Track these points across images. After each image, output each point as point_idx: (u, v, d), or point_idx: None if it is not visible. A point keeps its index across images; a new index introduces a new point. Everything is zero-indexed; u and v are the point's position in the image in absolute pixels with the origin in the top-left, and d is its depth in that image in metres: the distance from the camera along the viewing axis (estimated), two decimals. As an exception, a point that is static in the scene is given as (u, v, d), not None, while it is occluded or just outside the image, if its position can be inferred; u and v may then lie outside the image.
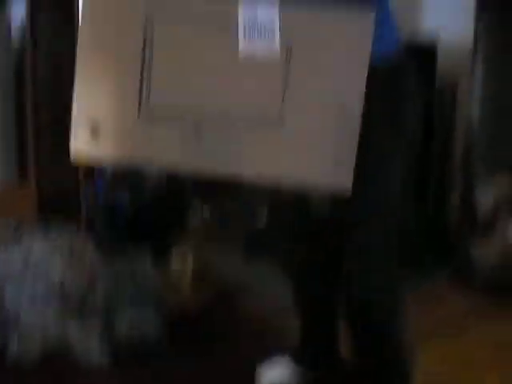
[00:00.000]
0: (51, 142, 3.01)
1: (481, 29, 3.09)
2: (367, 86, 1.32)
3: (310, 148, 1.34)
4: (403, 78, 1.66)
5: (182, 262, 2.70)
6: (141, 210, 2.89)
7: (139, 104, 1.32)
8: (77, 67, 1.36)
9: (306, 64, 1.30)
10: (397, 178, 1.67)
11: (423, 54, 3.18)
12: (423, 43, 3.31)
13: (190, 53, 1.32)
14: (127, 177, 2.84)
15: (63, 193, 3.09)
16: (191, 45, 1.32)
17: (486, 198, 3.07)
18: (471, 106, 3.20)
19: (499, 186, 3.04)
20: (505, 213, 3.00)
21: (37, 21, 2.91)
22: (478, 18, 3.08)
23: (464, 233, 3.18)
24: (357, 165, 1.32)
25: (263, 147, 1.34)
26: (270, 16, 1.28)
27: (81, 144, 1.37)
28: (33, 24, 2.90)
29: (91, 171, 2.81)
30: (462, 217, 3.27)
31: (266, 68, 1.31)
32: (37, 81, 2.95)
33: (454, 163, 3.42)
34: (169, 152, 1.35)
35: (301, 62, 1.30)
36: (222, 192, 2.87)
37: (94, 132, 1.35)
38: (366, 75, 1.30)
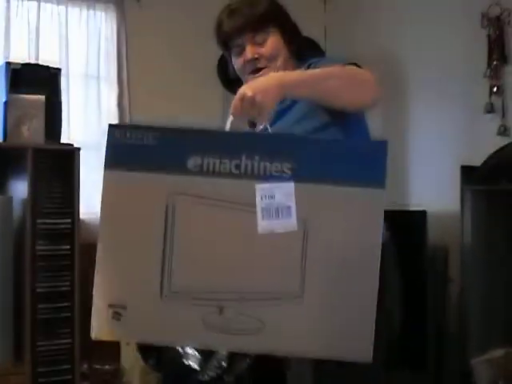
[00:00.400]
0: (47, 326, 3.03)
1: (467, 199, 3.23)
2: None
3: (330, 320, 1.36)
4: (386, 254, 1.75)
5: None
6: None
7: (161, 286, 1.35)
8: (98, 250, 1.40)
9: (321, 237, 1.35)
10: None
11: (414, 222, 3.31)
12: (413, 212, 3.46)
13: (210, 233, 1.36)
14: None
15: (58, 375, 3.05)
16: (211, 225, 1.36)
17: (481, 371, 3.06)
18: (464, 271, 3.27)
19: (494, 361, 3.04)
20: None
21: (37, 195, 3.01)
22: (464, 189, 3.22)
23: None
24: None
25: (285, 321, 1.36)
26: (286, 195, 1.34)
27: (103, 323, 1.40)
28: (34, 199, 3.00)
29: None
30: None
31: (284, 242, 1.34)
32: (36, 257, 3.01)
33: (450, 337, 3.47)
34: (192, 330, 1.36)
35: (317, 235, 1.34)
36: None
37: (117, 312, 1.38)
38: (379, 249, 1.36)
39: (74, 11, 3.72)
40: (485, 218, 3.26)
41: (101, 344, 3.76)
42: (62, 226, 3.09)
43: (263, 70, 1.86)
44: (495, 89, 3.37)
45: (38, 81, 3.16)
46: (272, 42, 1.86)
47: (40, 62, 3.43)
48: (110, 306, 1.39)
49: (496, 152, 3.18)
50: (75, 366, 3.10)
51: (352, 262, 1.36)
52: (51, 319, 3.05)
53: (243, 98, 1.51)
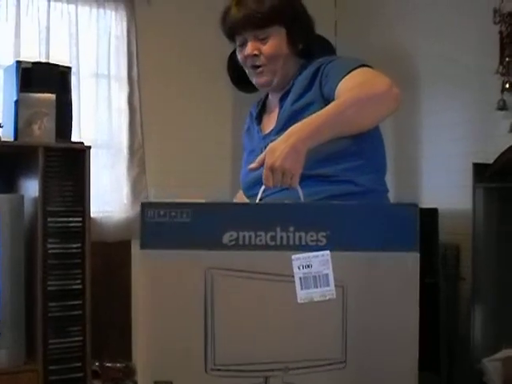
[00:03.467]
0: (59, 324, 3.04)
1: (479, 196, 3.21)
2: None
3: None
4: None
5: None
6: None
7: (205, 360, 1.37)
8: (140, 329, 1.40)
9: (360, 304, 1.37)
10: None
11: (425, 220, 3.28)
12: (425, 210, 3.43)
13: (249, 305, 1.38)
14: None
15: (70, 372, 3.06)
16: (250, 297, 1.38)
17: (494, 371, 3.04)
18: (475, 273, 3.25)
19: (506, 360, 3.03)
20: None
21: (48, 194, 3.02)
22: (476, 186, 3.20)
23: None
24: None
25: None
26: (323, 263, 1.36)
27: None
28: (45, 198, 3.01)
29: None
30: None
31: (324, 310, 1.37)
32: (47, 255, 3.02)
33: (461, 336, 3.46)
34: None
35: (355, 302, 1.36)
36: None
37: None
38: (417, 314, 1.37)
39: (84, 10, 3.72)
40: (497, 216, 3.24)
41: (112, 342, 3.80)
42: (73, 225, 3.10)
43: (262, 68, 1.87)
44: (507, 85, 3.34)
45: (49, 80, 3.16)
46: (274, 41, 1.85)
47: (50, 61, 3.44)
48: (156, 382, 1.39)
49: (508, 149, 3.15)
50: (86, 363, 3.11)
51: (391, 326, 1.38)
52: (62, 317, 3.06)
53: (272, 169, 1.51)
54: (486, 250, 3.21)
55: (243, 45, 1.87)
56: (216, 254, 1.37)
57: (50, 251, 3.04)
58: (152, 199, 3.93)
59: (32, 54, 3.45)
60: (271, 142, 1.84)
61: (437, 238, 3.38)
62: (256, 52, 1.85)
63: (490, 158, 3.20)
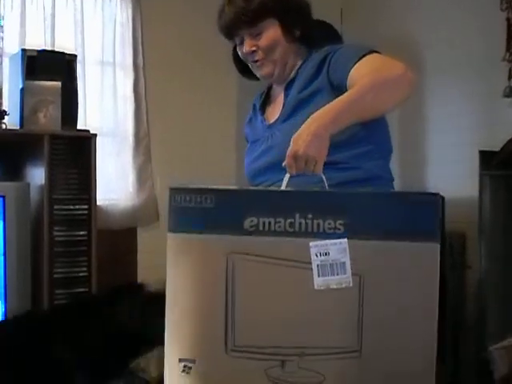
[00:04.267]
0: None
1: (485, 184, 3.20)
2: None
3: (389, 373, 1.38)
4: None
5: None
6: None
7: (226, 341, 1.42)
8: (166, 310, 1.48)
9: (377, 292, 1.38)
10: None
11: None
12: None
13: (268, 290, 1.42)
14: None
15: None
16: (269, 282, 1.41)
17: (500, 359, 3.04)
18: (481, 259, 3.25)
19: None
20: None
21: (54, 181, 3.03)
22: (482, 174, 3.19)
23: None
24: None
25: (344, 374, 1.38)
26: (340, 251, 1.37)
27: (174, 376, 1.49)
28: (51, 185, 3.01)
29: None
30: (478, 377, 3.25)
31: (340, 298, 1.39)
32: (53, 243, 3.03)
33: (468, 325, 3.46)
34: (255, 383, 1.42)
35: (372, 291, 1.37)
36: None
37: (186, 366, 1.46)
38: (436, 304, 1.41)
39: (90, -3, 3.72)
40: (503, 204, 3.23)
41: (118, 330, 3.76)
42: (79, 212, 3.10)
43: (261, 61, 1.91)
44: (514, 73, 3.33)
45: (54, 67, 3.15)
46: (268, 34, 1.88)
47: (56, 49, 3.43)
48: (181, 360, 1.47)
49: (515, 137, 3.14)
50: (93, 351, 3.12)
51: (408, 317, 1.38)
52: (69, 305, 3.07)
53: (295, 156, 1.53)
54: (493, 238, 3.20)
55: (241, 43, 1.93)
56: (237, 238, 1.41)
57: (56, 239, 3.04)
58: (158, 188, 3.94)
59: (37, 41, 3.45)
60: (278, 130, 1.85)
61: (443, 227, 3.38)
62: (254, 48, 1.90)
63: (496, 146, 3.18)
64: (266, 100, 2.06)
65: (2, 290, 2.94)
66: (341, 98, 1.63)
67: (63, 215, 3.06)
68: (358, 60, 1.73)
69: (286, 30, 1.90)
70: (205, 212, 1.44)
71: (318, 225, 1.38)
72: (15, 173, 3.21)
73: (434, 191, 1.52)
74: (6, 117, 3.08)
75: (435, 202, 1.40)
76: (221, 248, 1.42)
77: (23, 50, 3.13)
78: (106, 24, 3.77)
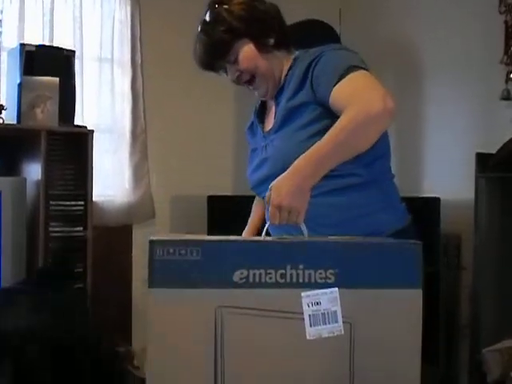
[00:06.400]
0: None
1: (481, 186, 3.21)
2: None
3: None
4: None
5: None
6: None
7: None
8: (147, 370, 1.39)
9: (366, 340, 1.40)
10: None
11: (427, 209, 3.29)
12: (427, 199, 3.44)
13: (259, 344, 1.39)
14: None
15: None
16: (260, 335, 1.39)
17: (493, 361, 3.05)
18: (476, 260, 3.25)
19: (506, 351, 3.03)
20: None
21: (51, 177, 3.02)
22: (478, 176, 3.20)
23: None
24: None
25: None
26: (331, 300, 1.40)
27: None
28: (47, 181, 3.01)
29: None
30: (471, 378, 3.26)
31: (332, 347, 1.40)
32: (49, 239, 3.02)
33: (461, 327, 3.47)
34: None
35: (362, 339, 1.40)
36: None
37: None
38: (419, 350, 1.41)
39: (89, -7, 3.71)
40: (499, 206, 3.24)
41: (112, 326, 3.82)
42: (75, 208, 3.10)
43: (253, 85, 1.91)
44: (512, 75, 3.34)
45: (52, 63, 3.15)
46: (243, 55, 1.86)
47: (54, 45, 3.43)
48: None
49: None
50: (87, 347, 3.11)
51: (395, 362, 1.41)
52: (63, 301, 3.07)
53: (279, 207, 1.54)
54: (488, 239, 3.21)
55: (225, 72, 1.93)
56: (226, 292, 1.38)
57: (51, 234, 3.04)
58: (154, 185, 3.94)
59: (36, 37, 3.45)
60: (270, 141, 1.85)
61: (438, 228, 3.39)
62: (237, 73, 1.89)
63: (493, 148, 3.19)
64: (263, 107, 2.05)
65: (-3, 285, 2.94)
66: (322, 144, 1.61)
67: (59, 211, 3.06)
68: (339, 80, 1.70)
69: (259, 44, 1.86)
70: (190, 265, 1.37)
71: (310, 275, 1.39)
72: (12, 168, 3.21)
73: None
74: (3, 112, 3.08)
75: (417, 250, 1.43)
76: (209, 302, 1.37)
77: (21, 45, 3.12)
78: (105, 21, 3.76)
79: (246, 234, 2.17)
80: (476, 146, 3.29)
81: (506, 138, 3.15)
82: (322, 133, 1.66)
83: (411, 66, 3.93)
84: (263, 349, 1.39)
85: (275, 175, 1.62)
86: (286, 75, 1.89)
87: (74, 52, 3.30)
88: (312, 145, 1.62)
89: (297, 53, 1.93)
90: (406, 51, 3.96)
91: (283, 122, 1.84)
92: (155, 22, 3.92)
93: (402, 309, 1.41)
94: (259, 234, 2.05)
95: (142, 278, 4.24)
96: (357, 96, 1.66)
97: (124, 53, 3.83)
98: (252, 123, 2.08)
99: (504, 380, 3.00)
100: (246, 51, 1.85)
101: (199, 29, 1.90)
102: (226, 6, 1.85)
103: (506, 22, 3.37)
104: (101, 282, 3.30)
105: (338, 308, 1.40)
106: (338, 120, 1.64)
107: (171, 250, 1.38)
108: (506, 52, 3.35)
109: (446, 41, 3.70)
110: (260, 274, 1.39)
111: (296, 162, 1.59)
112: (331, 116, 1.71)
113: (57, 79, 3.09)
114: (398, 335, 1.41)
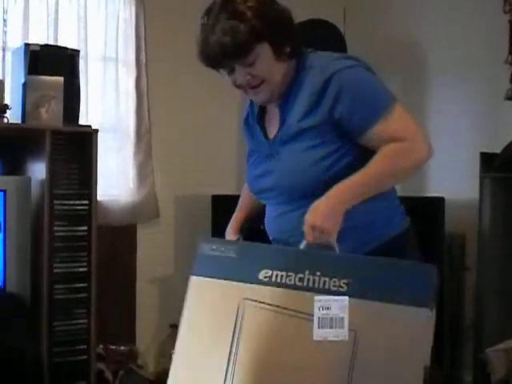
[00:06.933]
0: (64, 307, 3.05)
1: (486, 186, 3.20)
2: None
3: None
4: (409, 249, 1.84)
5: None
6: None
7: (224, 381, 1.55)
8: (176, 346, 1.64)
9: (369, 350, 1.47)
10: None
11: (431, 209, 3.29)
12: (431, 198, 3.43)
13: (271, 337, 1.55)
14: None
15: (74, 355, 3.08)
16: (273, 330, 1.56)
17: (497, 361, 3.05)
18: (481, 259, 3.25)
19: (510, 350, 3.03)
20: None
21: (55, 176, 3.03)
22: (483, 176, 3.19)
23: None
24: None
25: None
26: (341, 307, 1.51)
27: None
28: (52, 180, 3.02)
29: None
30: (475, 378, 3.26)
31: (335, 350, 1.50)
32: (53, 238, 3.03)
33: (465, 327, 3.47)
34: None
35: (365, 348, 1.48)
36: None
37: None
38: (425, 370, 1.45)
39: (93, -7, 3.72)
40: (503, 206, 3.24)
41: (116, 325, 3.82)
42: (80, 208, 3.10)
43: (258, 88, 1.80)
44: (516, 75, 3.33)
45: (57, 63, 3.15)
46: (261, 61, 1.75)
47: (59, 44, 3.43)
48: None
49: (516, 139, 3.15)
50: (91, 346, 3.12)
51: (392, 377, 1.46)
52: (68, 300, 3.07)
53: (313, 227, 1.65)
54: (492, 239, 3.21)
55: (231, 72, 1.80)
56: (251, 287, 1.60)
57: (56, 234, 3.05)
58: (158, 184, 3.94)
59: (40, 36, 3.45)
60: (276, 153, 1.81)
61: (443, 227, 3.38)
62: (248, 77, 1.78)
63: (497, 148, 3.19)
64: (262, 110, 1.95)
65: (2, 284, 2.94)
66: (360, 178, 1.69)
67: (64, 210, 3.07)
68: (379, 119, 1.70)
69: (277, 51, 1.76)
70: (226, 261, 1.64)
71: (325, 282, 1.55)
72: (16, 167, 3.22)
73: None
74: (7, 111, 3.09)
75: (431, 272, 1.51)
76: (235, 294, 1.60)
77: (26, 45, 3.13)
78: (109, 20, 3.77)
79: (235, 220, 2.10)
80: (480, 146, 3.29)
81: (511, 138, 3.15)
82: (332, 155, 1.73)
83: (415, 65, 3.92)
84: (273, 340, 1.55)
85: (281, 188, 1.77)
86: (293, 84, 1.81)
87: (78, 51, 3.31)
88: (322, 167, 1.72)
89: (303, 57, 1.83)
90: (410, 51, 3.95)
91: (293, 138, 1.79)
92: (160, 22, 3.92)
93: (409, 327, 1.47)
94: (250, 221, 2.08)
95: (147, 277, 4.25)
96: (401, 148, 1.71)
97: (128, 52, 3.83)
98: (247, 116, 2.01)
99: (508, 380, 3.00)
100: (265, 56, 1.75)
101: (212, 22, 1.75)
102: (249, 4, 1.72)
103: (510, 22, 3.36)
104: (105, 282, 3.31)
105: (345, 315, 1.50)
106: (384, 159, 1.70)
107: (214, 247, 1.67)
108: (510, 52, 3.34)
109: (451, 40, 3.69)
110: (282, 276, 1.58)
111: (336, 187, 1.68)
112: (342, 137, 1.73)
113: (61, 79, 3.10)
114: (399, 350, 1.46)
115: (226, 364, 1.55)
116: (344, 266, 1.56)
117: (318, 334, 1.51)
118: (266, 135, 1.91)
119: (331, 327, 1.51)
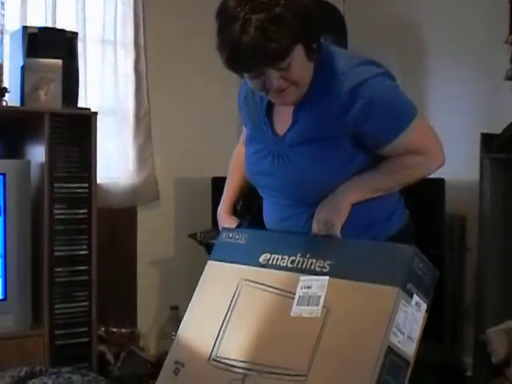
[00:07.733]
0: (65, 289, 3.06)
1: (486, 167, 3.20)
2: None
3: None
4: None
5: None
6: None
7: (211, 350, 1.69)
8: (185, 316, 1.84)
9: (336, 326, 1.54)
10: None
11: (432, 190, 3.28)
12: (431, 180, 3.42)
13: (258, 311, 1.67)
14: None
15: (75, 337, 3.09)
16: (261, 305, 1.68)
17: (498, 340, 3.06)
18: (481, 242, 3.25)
19: (510, 331, 3.04)
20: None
21: (55, 159, 3.02)
22: (483, 157, 3.19)
23: (478, 372, 3.17)
24: None
25: None
26: (320, 286, 1.60)
27: (165, 375, 1.76)
28: (51, 163, 3.01)
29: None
30: (476, 359, 3.28)
31: (306, 326, 1.58)
32: (53, 220, 3.03)
33: (466, 307, 3.48)
34: None
35: (333, 324, 1.55)
36: None
37: (177, 368, 1.73)
38: (382, 351, 1.47)
39: (91, -25, 3.69)
40: (504, 187, 3.23)
41: (117, 307, 3.83)
42: (79, 191, 3.10)
43: (287, 90, 1.66)
44: (517, 56, 3.31)
45: (55, 45, 3.14)
46: (297, 63, 1.60)
47: (57, 27, 3.41)
48: (175, 362, 1.75)
49: (516, 120, 3.14)
50: (92, 328, 3.13)
51: (354, 351, 1.50)
52: (68, 283, 3.08)
53: (317, 220, 1.72)
54: (493, 220, 3.21)
55: (257, 76, 1.63)
56: (252, 269, 1.75)
57: (56, 217, 3.05)
58: (158, 167, 3.93)
59: (38, 19, 3.43)
60: (284, 152, 1.75)
61: (443, 209, 3.38)
62: (281, 80, 1.62)
63: (497, 129, 3.18)
64: (270, 102, 1.81)
65: (2, 268, 2.95)
66: (373, 180, 1.74)
67: (63, 193, 3.06)
68: (401, 132, 1.69)
69: (309, 51, 1.63)
70: (236, 247, 1.82)
71: (312, 263, 1.65)
72: (16, 150, 3.21)
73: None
74: (6, 94, 3.07)
75: (407, 252, 1.56)
76: (237, 275, 1.76)
77: (24, 28, 3.11)
78: (108, 2, 3.75)
79: (227, 198, 2.06)
80: (481, 127, 3.28)
81: (511, 119, 3.14)
82: (346, 166, 1.72)
83: (415, 46, 3.90)
84: (258, 314, 1.67)
85: (286, 189, 1.78)
86: (310, 86, 1.70)
87: (76, 34, 3.29)
88: (335, 180, 1.72)
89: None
90: (410, 31, 3.93)
91: (305, 143, 1.72)
92: (158, 3, 3.90)
93: (374, 303, 1.52)
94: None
95: (147, 259, 4.25)
96: (420, 161, 1.76)
97: (127, 34, 3.81)
98: (246, 95, 1.89)
99: (508, 360, 3.01)
100: (300, 58, 1.61)
101: (242, 20, 1.54)
102: (282, 1, 1.54)
103: (510, 2, 3.34)
104: (106, 264, 3.31)
105: (322, 294, 1.59)
106: (399, 171, 1.73)
107: (231, 235, 1.87)
108: (510, 32, 3.33)
109: (450, 20, 3.67)
110: (278, 259, 1.71)
111: (343, 185, 1.72)
112: (357, 146, 1.70)
113: (60, 61, 3.08)
114: (364, 325, 1.51)
115: (218, 329, 1.70)
116: (330, 248, 1.65)
117: (295, 310, 1.61)
118: (272, 130, 1.81)
119: (308, 304, 1.60)
